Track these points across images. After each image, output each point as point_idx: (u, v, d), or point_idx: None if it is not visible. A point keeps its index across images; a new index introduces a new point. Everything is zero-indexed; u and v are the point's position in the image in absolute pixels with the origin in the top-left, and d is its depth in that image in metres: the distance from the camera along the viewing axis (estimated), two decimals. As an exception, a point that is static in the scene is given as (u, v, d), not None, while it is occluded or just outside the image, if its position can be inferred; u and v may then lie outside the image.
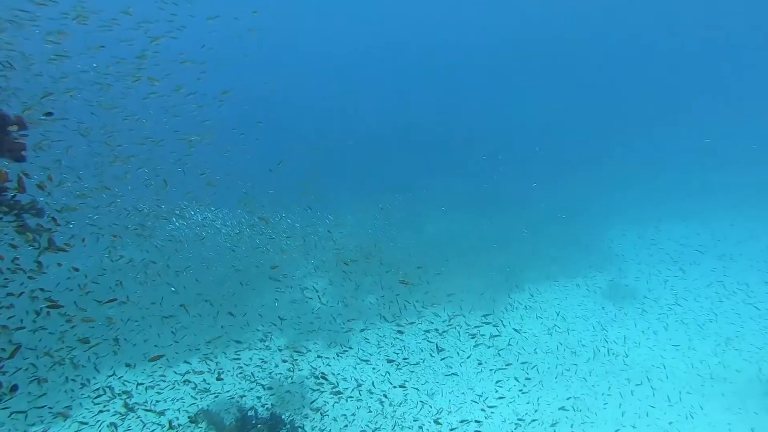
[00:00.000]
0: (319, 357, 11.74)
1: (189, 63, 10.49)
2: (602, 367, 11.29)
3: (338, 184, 25.91)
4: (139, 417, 8.72)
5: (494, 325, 12.90)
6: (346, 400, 10.07)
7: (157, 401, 9.23)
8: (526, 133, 39.75)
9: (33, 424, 8.36)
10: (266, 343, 12.03)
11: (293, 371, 10.98)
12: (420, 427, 9.61)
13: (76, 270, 6.33)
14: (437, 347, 10.98)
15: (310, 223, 20.99)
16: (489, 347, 12.29)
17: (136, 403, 9.16)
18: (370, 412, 9.99)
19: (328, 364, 11.43)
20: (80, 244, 6.33)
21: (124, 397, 9.04)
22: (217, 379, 9.57)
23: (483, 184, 26.03)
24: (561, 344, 12.31)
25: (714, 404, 10.00)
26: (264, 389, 10.37)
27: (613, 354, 11.67)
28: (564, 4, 47.37)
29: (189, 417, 8.06)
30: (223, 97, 11.08)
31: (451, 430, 9.37)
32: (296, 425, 10.12)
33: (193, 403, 9.66)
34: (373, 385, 10.77)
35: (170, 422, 8.38)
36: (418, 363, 11.61)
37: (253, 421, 9.93)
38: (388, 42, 57.14)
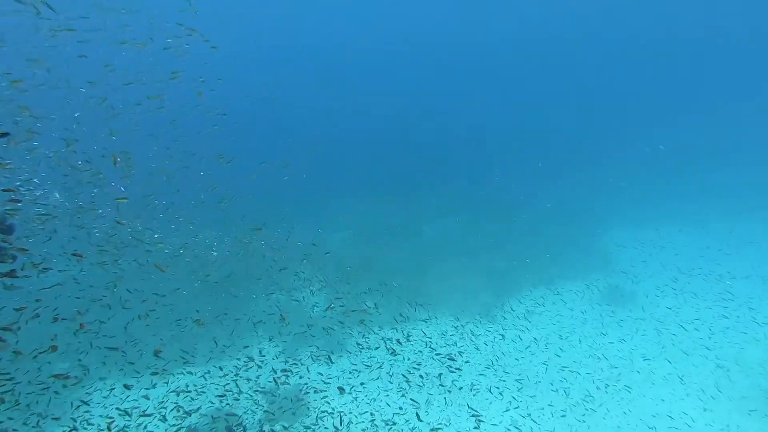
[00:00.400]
0: (314, 373, 11.23)
1: (178, 75, 9.86)
2: (598, 396, 10.61)
3: (335, 187, 25.40)
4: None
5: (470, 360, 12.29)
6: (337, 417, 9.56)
7: (139, 423, 8.73)
8: (525, 135, 39.05)
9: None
10: (255, 357, 11.53)
11: (284, 384, 10.47)
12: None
13: (38, 300, 5.81)
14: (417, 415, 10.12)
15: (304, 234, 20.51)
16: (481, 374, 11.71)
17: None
18: (363, 431, 9.47)
19: (324, 381, 10.90)
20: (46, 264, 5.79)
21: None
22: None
23: (481, 187, 25.45)
24: (558, 371, 11.62)
25: (717, 426, 9.41)
26: (253, 404, 9.88)
27: (613, 386, 10.82)
28: (562, 4, 46.44)
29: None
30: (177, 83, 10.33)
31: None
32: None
33: (178, 424, 9.18)
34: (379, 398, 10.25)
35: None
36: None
37: (242, 439, 9.48)
38: (383, 45, 56.23)
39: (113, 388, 9.82)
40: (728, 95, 45.82)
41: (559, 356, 11.74)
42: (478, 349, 12.17)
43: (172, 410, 9.31)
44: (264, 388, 10.35)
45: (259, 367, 10.98)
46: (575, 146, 34.67)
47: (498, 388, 10.63)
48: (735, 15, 43.35)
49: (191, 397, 9.85)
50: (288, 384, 10.49)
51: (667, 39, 50.08)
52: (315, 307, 14.06)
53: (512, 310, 14.82)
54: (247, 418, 9.56)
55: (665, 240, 20.43)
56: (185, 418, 9.27)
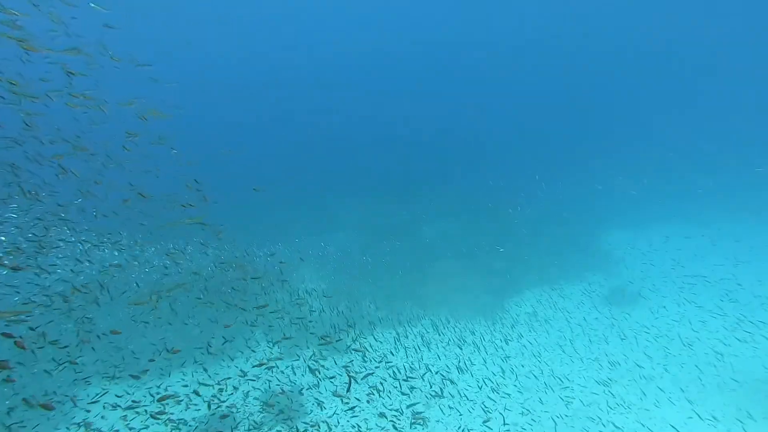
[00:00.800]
0: (311, 370, 10.66)
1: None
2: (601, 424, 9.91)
3: (335, 187, 24.86)
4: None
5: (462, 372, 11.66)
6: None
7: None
8: (525, 135, 38.32)
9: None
10: (254, 359, 10.97)
11: (280, 395, 9.91)
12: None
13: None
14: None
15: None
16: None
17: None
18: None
19: (318, 401, 10.33)
20: None
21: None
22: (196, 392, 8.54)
23: (481, 188, 24.85)
24: (559, 391, 10.93)
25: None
26: (251, 411, 9.34)
27: (617, 410, 10.06)
28: (562, 5, 45.47)
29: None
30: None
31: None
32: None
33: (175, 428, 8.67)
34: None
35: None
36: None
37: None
38: (384, 46, 55.20)
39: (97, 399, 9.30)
40: (729, 95, 44.96)
41: (562, 382, 10.81)
42: (474, 377, 11.38)
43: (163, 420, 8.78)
44: (259, 396, 9.83)
45: (253, 381, 10.42)
46: (575, 146, 33.98)
47: (492, 411, 9.95)
48: (736, 14, 42.38)
49: (185, 404, 9.30)
50: (283, 393, 9.93)
51: (667, 39, 49.10)
52: (312, 314, 13.49)
53: (511, 320, 14.17)
54: (249, 422, 9.04)
55: (668, 245, 19.64)
56: (176, 427, 8.75)
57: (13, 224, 8.76)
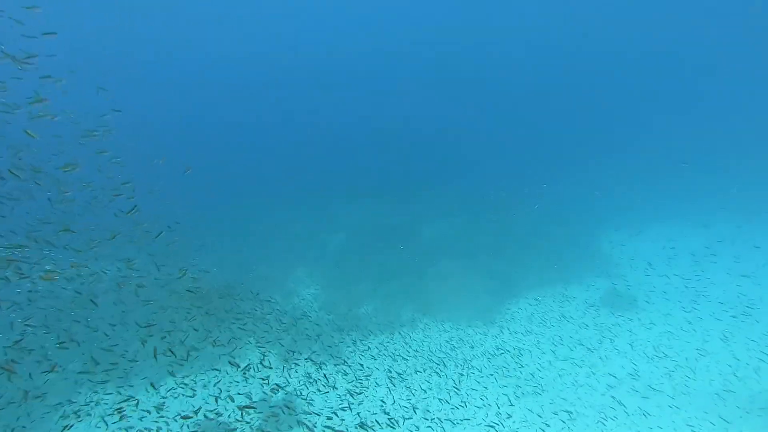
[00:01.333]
0: (309, 377, 10.55)
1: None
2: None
3: (335, 188, 24.75)
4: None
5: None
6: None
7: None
8: (525, 136, 38.19)
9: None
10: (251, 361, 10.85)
11: (280, 389, 9.82)
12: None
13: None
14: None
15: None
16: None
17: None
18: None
19: (317, 390, 10.22)
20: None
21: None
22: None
23: (480, 189, 24.73)
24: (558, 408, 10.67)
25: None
26: (248, 412, 9.24)
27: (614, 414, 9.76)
28: (561, 5, 45.27)
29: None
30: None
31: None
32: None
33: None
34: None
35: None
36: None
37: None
38: (383, 46, 54.91)
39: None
40: (729, 95, 44.77)
41: (559, 411, 9.96)
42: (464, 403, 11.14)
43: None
44: (261, 391, 9.74)
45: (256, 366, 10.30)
46: (575, 147, 33.85)
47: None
48: (736, 14, 42.20)
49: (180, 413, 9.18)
50: (287, 407, 9.82)
51: (666, 39, 48.91)
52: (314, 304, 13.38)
53: (508, 328, 14.01)
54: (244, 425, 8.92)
55: (669, 250, 19.34)
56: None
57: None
